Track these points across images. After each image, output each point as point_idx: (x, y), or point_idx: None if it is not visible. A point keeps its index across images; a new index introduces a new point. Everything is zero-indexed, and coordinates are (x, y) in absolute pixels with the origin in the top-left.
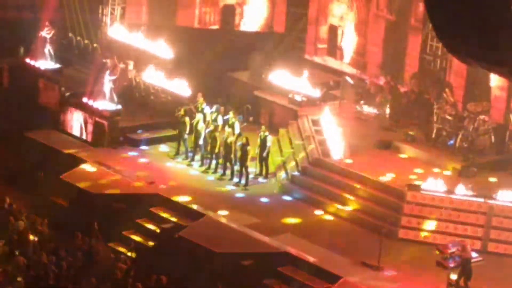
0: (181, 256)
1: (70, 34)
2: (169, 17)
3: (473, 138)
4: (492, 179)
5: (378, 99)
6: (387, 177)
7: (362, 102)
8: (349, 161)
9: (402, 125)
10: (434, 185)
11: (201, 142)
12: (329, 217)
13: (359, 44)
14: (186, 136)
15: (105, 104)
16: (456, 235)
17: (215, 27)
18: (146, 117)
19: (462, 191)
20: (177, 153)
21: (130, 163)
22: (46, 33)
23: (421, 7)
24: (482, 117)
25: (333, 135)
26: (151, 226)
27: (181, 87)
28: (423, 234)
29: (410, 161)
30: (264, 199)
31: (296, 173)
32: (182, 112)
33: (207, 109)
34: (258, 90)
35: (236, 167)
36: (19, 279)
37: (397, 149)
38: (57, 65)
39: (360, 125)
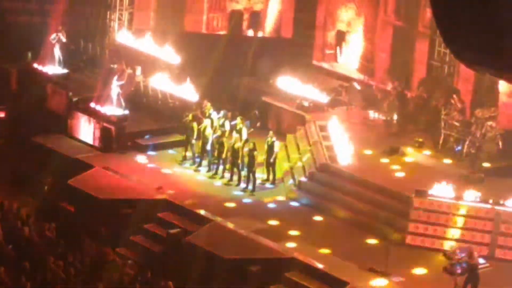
0: (188, 262)
1: (81, 40)
2: (177, 22)
3: (480, 144)
4: (500, 185)
5: (386, 105)
6: (394, 183)
7: (369, 108)
8: (356, 167)
9: (410, 131)
10: (441, 191)
11: (208, 147)
12: (336, 223)
13: (366, 50)
14: (193, 141)
15: (113, 109)
16: (463, 241)
17: (223, 32)
18: (153, 122)
19: (469, 197)
20: (184, 159)
21: (138, 169)
22: (58, 38)
23: (428, 13)
24: (489, 123)
25: (341, 140)
26: (158, 232)
27: (188, 92)
28: (430, 240)
29: (418, 167)
30: (271, 205)
31: (303, 178)
32: (189, 117)
33: (214, 115)
34: (265, 96)
35: (243, 173)
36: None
37: (405, 155)
38: (65, 70)
39: (368, 131)
